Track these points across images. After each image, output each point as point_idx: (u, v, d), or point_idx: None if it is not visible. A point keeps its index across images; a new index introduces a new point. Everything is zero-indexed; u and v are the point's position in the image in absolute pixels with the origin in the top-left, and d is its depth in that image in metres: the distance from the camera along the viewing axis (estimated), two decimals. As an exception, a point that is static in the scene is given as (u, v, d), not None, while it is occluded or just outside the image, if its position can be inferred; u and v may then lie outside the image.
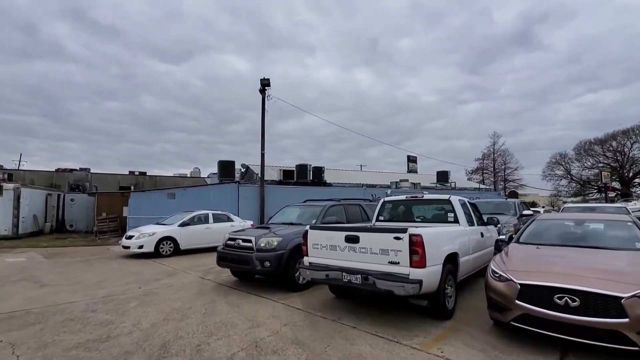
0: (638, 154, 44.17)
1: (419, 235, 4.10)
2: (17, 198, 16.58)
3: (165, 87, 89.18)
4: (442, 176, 28.74)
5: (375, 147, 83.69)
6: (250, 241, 6.28)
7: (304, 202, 8.73)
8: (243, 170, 26.73)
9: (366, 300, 5.58)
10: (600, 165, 46.81)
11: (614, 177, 43.22)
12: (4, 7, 63.39)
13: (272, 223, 7.75)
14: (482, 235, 6.45)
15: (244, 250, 6.30)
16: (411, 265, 4.09)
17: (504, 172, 54.00)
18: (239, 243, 6.46)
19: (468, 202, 6.66)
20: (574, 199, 49.21)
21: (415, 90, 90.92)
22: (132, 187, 28.41)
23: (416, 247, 4.08)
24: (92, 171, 30.38)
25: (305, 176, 21.35)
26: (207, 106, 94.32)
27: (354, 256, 4.59)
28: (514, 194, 38.48)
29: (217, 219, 12.40)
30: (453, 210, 5.96)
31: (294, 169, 21.54)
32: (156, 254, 10.60)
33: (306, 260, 5.20)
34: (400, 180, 23.93)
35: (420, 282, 4.00)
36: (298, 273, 6.27)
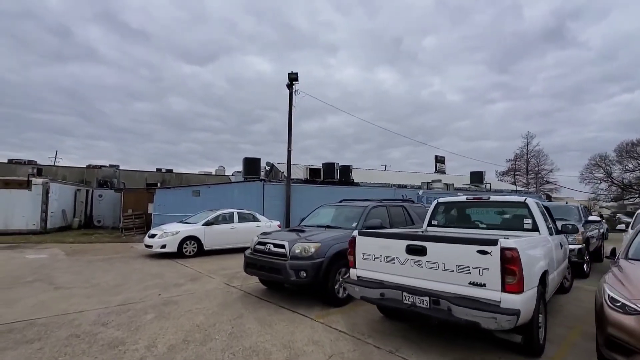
0: (682, 157, 40.48)
1: (514, 250, 3.07)
2: (46, 193, 16.62)
3: (192, 89, 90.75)
4: (477, 177, 27.00)
5: (397, 148, 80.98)
6: (283, 246, 5.41)
7: (340, 202, 7.80)
8: (267, 168, 26.16)
9: (425, 322, 4.58)
10: (642, 168, 43.25)
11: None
12: (39, 11, 66.53)
13: (305, 225, 6.86)
14: (560, 245, 5.30)
15: (276, 257, 5.43)
16: (504, 290, 3.06)
17: (538, 174, 51.11)
18: (270, 248, 5.60)
19: (543, 205, 5.53)
20: (613, 204, 45.77)
21: (439, 90, 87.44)
22: (158, 184, 28.52)
23: (511, 266, 3.05)
24: (120, 168, 30.88)
25: (332, 175, 20.45)
26: (231, 106, 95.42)
27: (419, 272, 3.61)
28: (547, 198, 36.02)
29: (243, 218, 11.71)
30: (531, 216, 4.85)
31: (321, 167, 20.69)
32: (179, 254, 9.99)
33: (353, 273, 4.26)
34: (432, 181, 22.54)
35: (517, 312, 2.97)
36: (337, 285, 5.36)
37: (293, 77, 17.69)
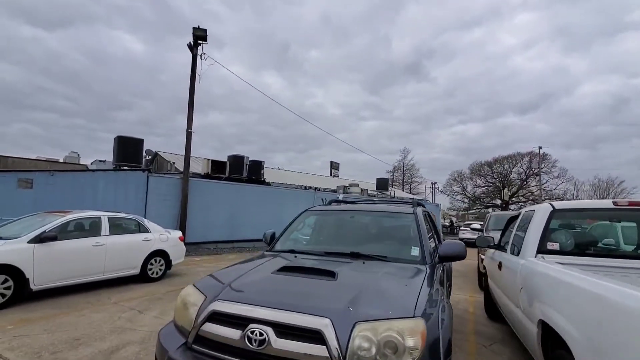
0: (515, 177, 51.20)
1: None
2: None
3: (31, 56, 69.25)
4: (382, 184, 26.91)
5: (281, 153, 79.93)
6: (318, 334, 1.73)
7: (328, 203, 4.45)
8: (149, 157, 20.00)
9: None
10: (488, 184, 53.20)
11: (497, 195, 49.37)
12: None
13: (295, 251, 3.23)
14: None
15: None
16: None
17: (410, 185, 57.80)
18: (267, 337, 1.78)
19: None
20: (466, 213, 54.88)
21: (322, 102, 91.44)
22: (-43, 170, 18.58)
23: None
24: None
25: (240, 171, 16.50)
26: (88, 86, 77.20)
27: None
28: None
29: (117, 226, 6.93)
30: None
31: (227, 160, 16.47)
32: (-35, 303, 4.77)
33: None
34: (350, 185, 20.88)
35: None
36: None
37: (200, 35, 13.28)
